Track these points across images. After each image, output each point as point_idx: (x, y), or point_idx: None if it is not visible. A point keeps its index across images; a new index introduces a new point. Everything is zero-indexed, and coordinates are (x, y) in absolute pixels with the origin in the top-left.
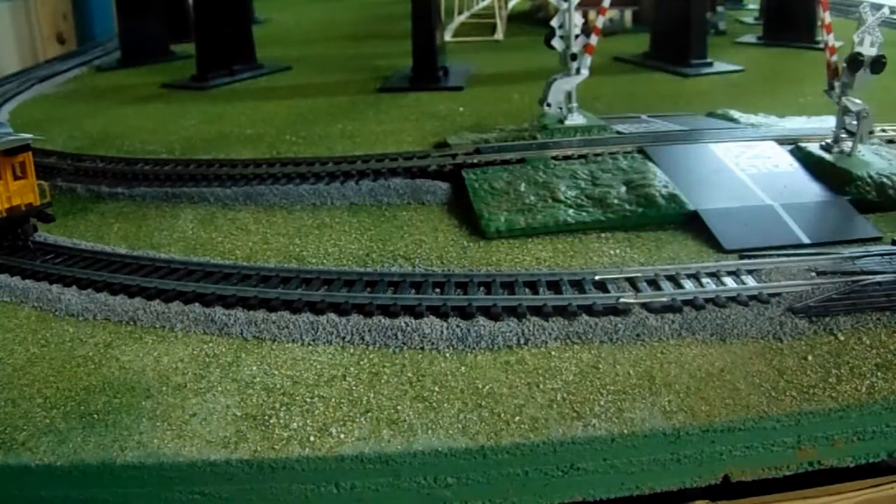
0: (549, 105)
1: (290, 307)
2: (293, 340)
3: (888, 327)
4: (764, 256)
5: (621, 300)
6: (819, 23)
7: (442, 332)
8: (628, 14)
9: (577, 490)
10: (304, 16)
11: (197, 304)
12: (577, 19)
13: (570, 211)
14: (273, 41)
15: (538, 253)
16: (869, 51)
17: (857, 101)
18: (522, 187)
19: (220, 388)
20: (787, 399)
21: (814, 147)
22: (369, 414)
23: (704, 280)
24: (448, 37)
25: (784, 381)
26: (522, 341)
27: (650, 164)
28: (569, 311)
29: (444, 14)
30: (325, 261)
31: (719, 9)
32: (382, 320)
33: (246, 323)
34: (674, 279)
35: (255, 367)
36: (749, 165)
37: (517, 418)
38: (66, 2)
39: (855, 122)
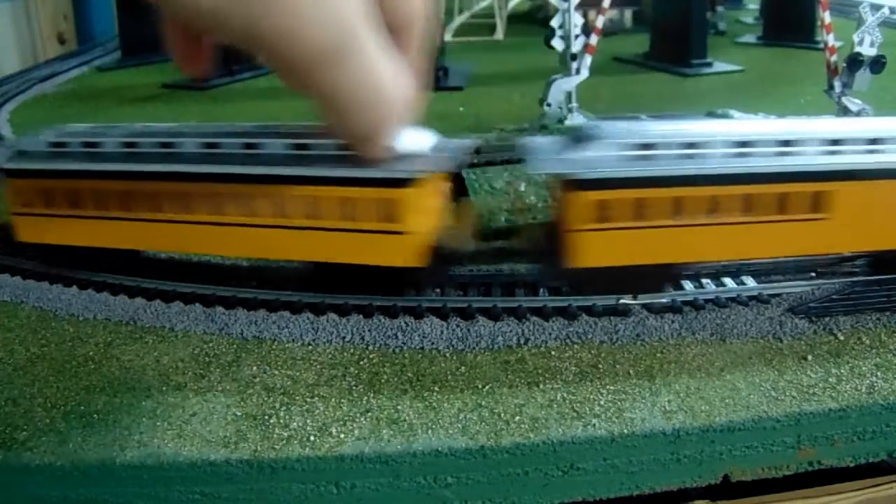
0: (549, 105)
1: (291, 307)
2: (293, 340)
3: (888, 327)
4: None
5: (621, 300)
6: (819, 23)
7: (442, 332)
8: (628, 14)
9: (577, 490)
10: None
11: (197, 303)
12: (577, 19)
13: None
14: None
15: None
16: (869, 51)
17: (857, 100)
18: (522, 187)
19: (220, 388)
20: (787, 399)
21: None
22: (369, 414)
23: (704, 280)
24: (448, 37)
25: (784, 381)
26: (522, 341)
27: None
28: (569, 312)
29: (444, 14)
30: None
31: (719, 9)
32: (382, 320)
33: (246, 323)
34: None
35: (255, 367)
36: None
37: (517, 418)
38: (67, 2)
39: None
